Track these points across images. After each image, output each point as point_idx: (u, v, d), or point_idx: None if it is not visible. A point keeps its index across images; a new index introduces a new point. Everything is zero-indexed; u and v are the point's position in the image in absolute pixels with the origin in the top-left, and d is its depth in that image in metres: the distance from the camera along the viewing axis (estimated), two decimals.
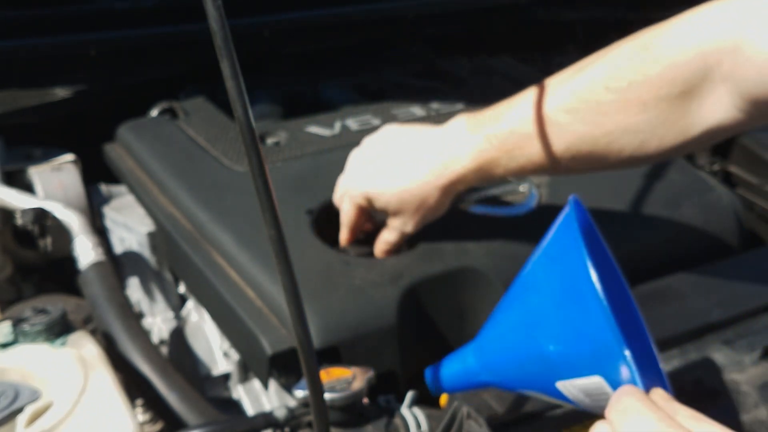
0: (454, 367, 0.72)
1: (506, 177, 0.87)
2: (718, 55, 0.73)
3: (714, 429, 0.55)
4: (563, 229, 0.64)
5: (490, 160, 0.84)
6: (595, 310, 0.58)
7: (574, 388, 0.62)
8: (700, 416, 0.56)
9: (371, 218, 0.95)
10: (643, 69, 0.77)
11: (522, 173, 0.85)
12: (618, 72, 0.78)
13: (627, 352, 0.58)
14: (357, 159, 0.93)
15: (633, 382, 0.58)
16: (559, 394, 0.64)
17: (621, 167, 0.84)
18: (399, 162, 0.88)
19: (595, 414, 0.62)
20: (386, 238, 0.92)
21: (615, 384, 0.59)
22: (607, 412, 0.58)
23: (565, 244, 0.63)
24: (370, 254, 0.94)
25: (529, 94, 0.83)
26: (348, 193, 0.92)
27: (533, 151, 0.82)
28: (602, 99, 0.78)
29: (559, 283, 0.63)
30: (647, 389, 0.58)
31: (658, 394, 0.59)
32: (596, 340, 0.59)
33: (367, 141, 0.93)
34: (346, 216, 0.93)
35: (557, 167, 0.84)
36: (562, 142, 0.81)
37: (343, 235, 0.95)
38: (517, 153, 0.83)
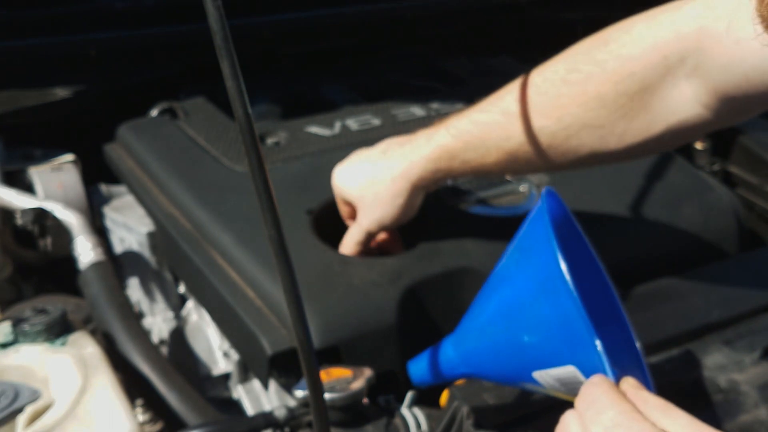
0: (435, 359, 0.72)
1: (467, 172, 0.87)
2: (681, 52, 0.73)
3: (680, 420, 0.55)
4: (535, 222, 0.65)
5: (449, 151, 0.85)
6: (566, 301, 0.59)
7: (549, 377, 0.63)
8: (668, 406, 0.56)
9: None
10: (602, 62, 0.77)
11: (483, 168, 0.85)
12: (577, 65, 0.79)
13: (597, 342, 0.59)
14: (341, 167, 0.95)
15: (603, 371, 0.59)
16: (536, 383, 0.65)
17: (582, 165, 0.84)
18: (369, 162, 0.91)
19: (570, 403, 0.62)
20: (351, 233, 0.93)
21: (587, 373, 0.60)
22: (577, 402, 0.58)
23: (537, 236, 0.64)
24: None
25: (497, 91, 0.84)
26: (335, 196, 0.95)
27: (491, 144, 0.83)
28: (561, 92, 0.79)
29: (532, 275, 0.64)
30: (619, 378, 0.59)
31: (628, 383, 0.59)
32: (568, 330, 0.60)
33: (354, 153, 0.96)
34: (342, 214, 0.95)
35: (516, 161, 0.84)
36: (520, 133, 0.81)
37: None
38: (476, 143, 0.84)
